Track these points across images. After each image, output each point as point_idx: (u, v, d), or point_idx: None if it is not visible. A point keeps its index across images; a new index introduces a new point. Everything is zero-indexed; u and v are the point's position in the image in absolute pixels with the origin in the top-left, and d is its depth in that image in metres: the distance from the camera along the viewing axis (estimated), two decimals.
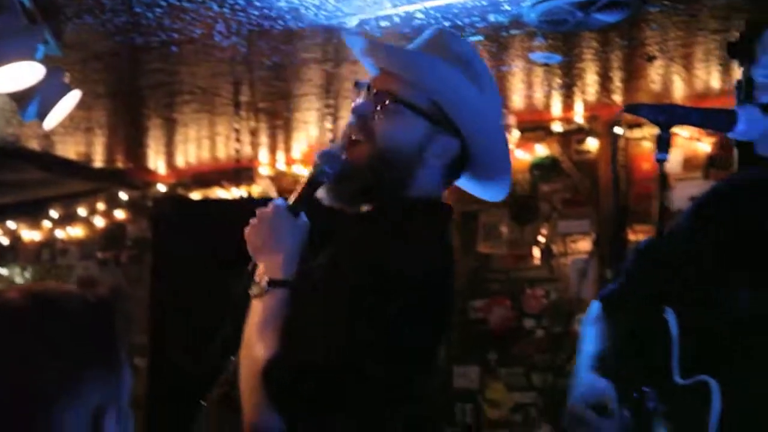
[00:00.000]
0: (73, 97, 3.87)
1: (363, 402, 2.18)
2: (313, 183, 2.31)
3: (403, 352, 2.18)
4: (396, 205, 2.32)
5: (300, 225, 2.33)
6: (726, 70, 4.93)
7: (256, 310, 2.24)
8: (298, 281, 2.28)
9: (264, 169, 6.86)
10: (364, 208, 2.42)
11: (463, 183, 2.50)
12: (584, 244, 5.78)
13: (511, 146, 5.67)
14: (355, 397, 2.16)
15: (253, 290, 2.24)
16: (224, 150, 6.47)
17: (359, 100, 2.41)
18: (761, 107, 2.30)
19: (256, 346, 2.21)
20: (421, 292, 2.20)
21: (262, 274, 2.26)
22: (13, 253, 7.28)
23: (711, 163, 5.44)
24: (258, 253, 2.33)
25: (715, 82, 5.10)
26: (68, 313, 1.43)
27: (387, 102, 2.32)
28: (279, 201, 2.38)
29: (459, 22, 4.41)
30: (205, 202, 6.50)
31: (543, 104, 5.66)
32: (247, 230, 2.39)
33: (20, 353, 1.36)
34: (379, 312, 2.13)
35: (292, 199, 2.33)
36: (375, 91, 2.32)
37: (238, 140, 6.07)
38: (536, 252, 5.88)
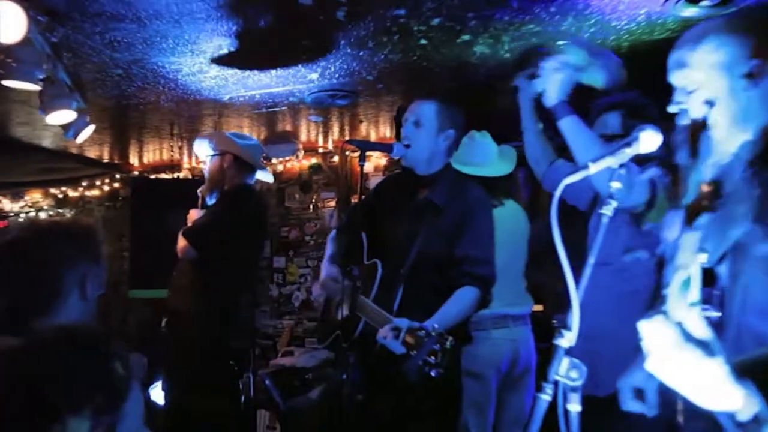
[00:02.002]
0: (91, 127, 3.99)
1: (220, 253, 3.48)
2: (202, 197, 3.72)
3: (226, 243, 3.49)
4: (224, 192, 3.69)
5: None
6: (393, 128, 5.40)
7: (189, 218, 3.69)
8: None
9: (185, 165, 6.81)
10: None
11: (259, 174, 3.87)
12: (332, 203, 6.46)
13: (300, 156, 6.45)
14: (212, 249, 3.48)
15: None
16: (166, 155, 6.49)
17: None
18: (404, 146, 2.87)
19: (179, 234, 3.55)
20: (237, 220, 3.57)
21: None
22: (65, 201, 7.47)
23: (385, 169, 6.15)
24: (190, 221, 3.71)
25: (388, 133, 5.68)
26: (73, 233, 1.85)
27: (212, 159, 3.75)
28: (194, 210, 3.73)
29: (277, 100, 4.80)
30: (156, 179, 6.59)
31: (315, 139, 6.19)
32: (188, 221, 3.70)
33: (50, 250, 1.76)
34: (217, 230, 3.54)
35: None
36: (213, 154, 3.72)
37: (171, 150, 6.26)
38: (311, 206, 6.55)
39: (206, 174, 3.70)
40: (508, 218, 3.59)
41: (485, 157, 3.71)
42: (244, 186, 3.70)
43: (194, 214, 3.62)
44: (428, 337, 2.34)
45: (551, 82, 2.48)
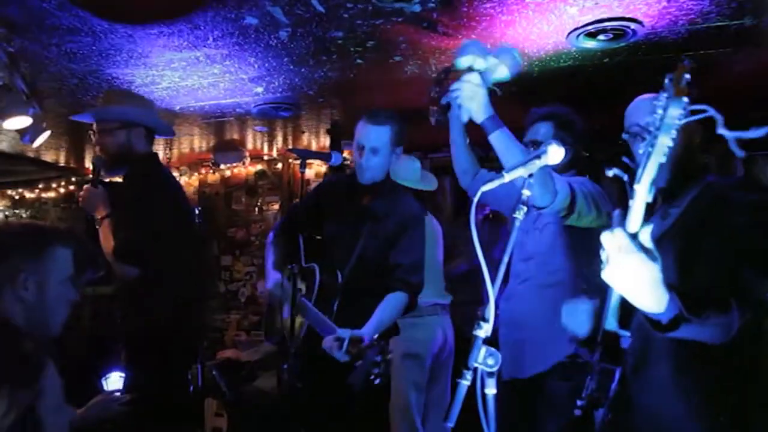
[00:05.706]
0: (47, 133, 3.75)
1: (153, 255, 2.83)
2: (95, 169, 3.10)
3: (146, 231, 2.82)
4: (131, 165, 3.03)
5: (100, 190, 3.02)
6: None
7: (102, 230, 2.96)
8: (112, 214, 2.96)
9: None
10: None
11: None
12: (275, 206, 6.33)
13: (246, 163, 6.19)
14: (146, 256, 2.83)
15: (96, 223, 2.96)
16: None
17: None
18: (365, 171, 2.80)
19: (105, 244, 2.91)
20: (145, 195, 2.90)
21: (99, 215, 2.96)
22: (21, 202, 7.17)
23: (325, 175, 5.78)
24: (91, 210, 3.01)
25: (328, 142, 5.26)
26: (7, 234, 1.78)
27: (104, 129, 3.05)
28: (87, 185, 3.00)
29: (225, 111, 4.63)
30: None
31: (260, 147, 6.01)
32: (81, 204, 3.05)
33: (35, 238, 1.71)
34: (132, 215, 2.86)
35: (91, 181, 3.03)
36: (97, 129, 3.04)
37: None
38: (256, 209, 6.39)
39: (106, 148, 3.09)
40: (428, 227, 3.61)
41: (410, 175, 3.85)
42: (152, 156, 3.18)
43: (88, 192, 3.05)
44: (370, 348, 2.34)
45: (475, 101, 2.23)
